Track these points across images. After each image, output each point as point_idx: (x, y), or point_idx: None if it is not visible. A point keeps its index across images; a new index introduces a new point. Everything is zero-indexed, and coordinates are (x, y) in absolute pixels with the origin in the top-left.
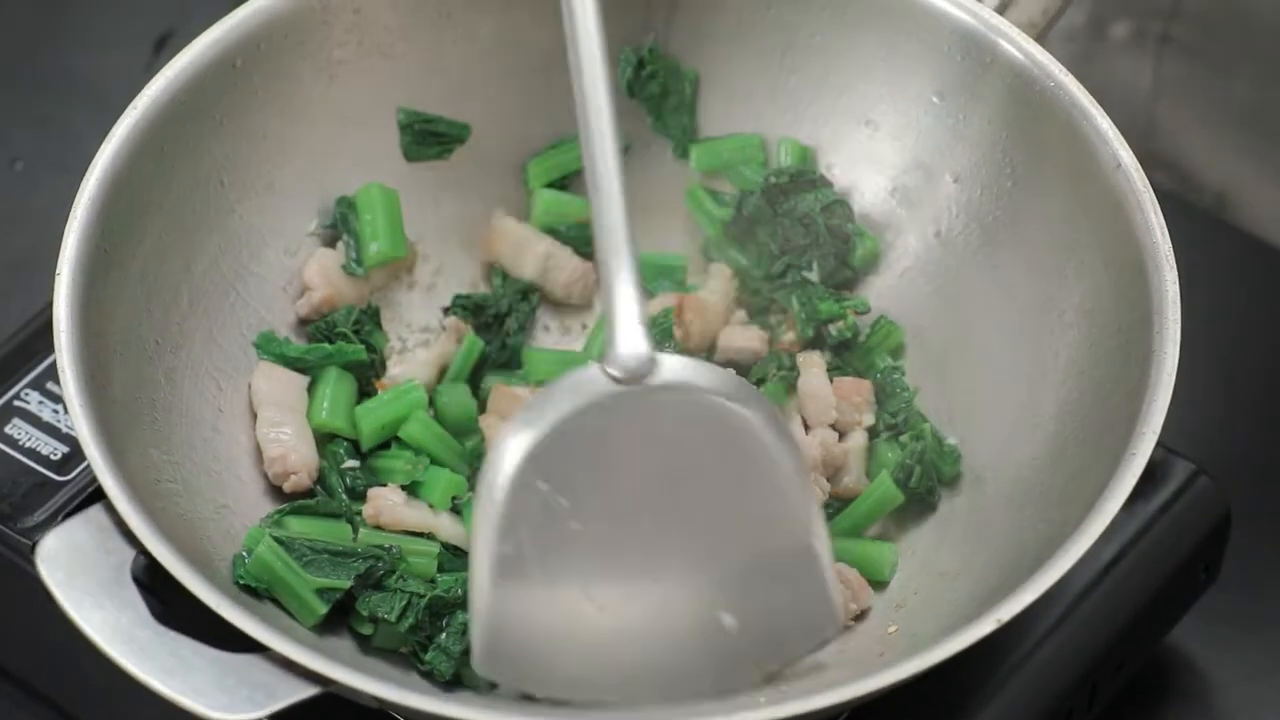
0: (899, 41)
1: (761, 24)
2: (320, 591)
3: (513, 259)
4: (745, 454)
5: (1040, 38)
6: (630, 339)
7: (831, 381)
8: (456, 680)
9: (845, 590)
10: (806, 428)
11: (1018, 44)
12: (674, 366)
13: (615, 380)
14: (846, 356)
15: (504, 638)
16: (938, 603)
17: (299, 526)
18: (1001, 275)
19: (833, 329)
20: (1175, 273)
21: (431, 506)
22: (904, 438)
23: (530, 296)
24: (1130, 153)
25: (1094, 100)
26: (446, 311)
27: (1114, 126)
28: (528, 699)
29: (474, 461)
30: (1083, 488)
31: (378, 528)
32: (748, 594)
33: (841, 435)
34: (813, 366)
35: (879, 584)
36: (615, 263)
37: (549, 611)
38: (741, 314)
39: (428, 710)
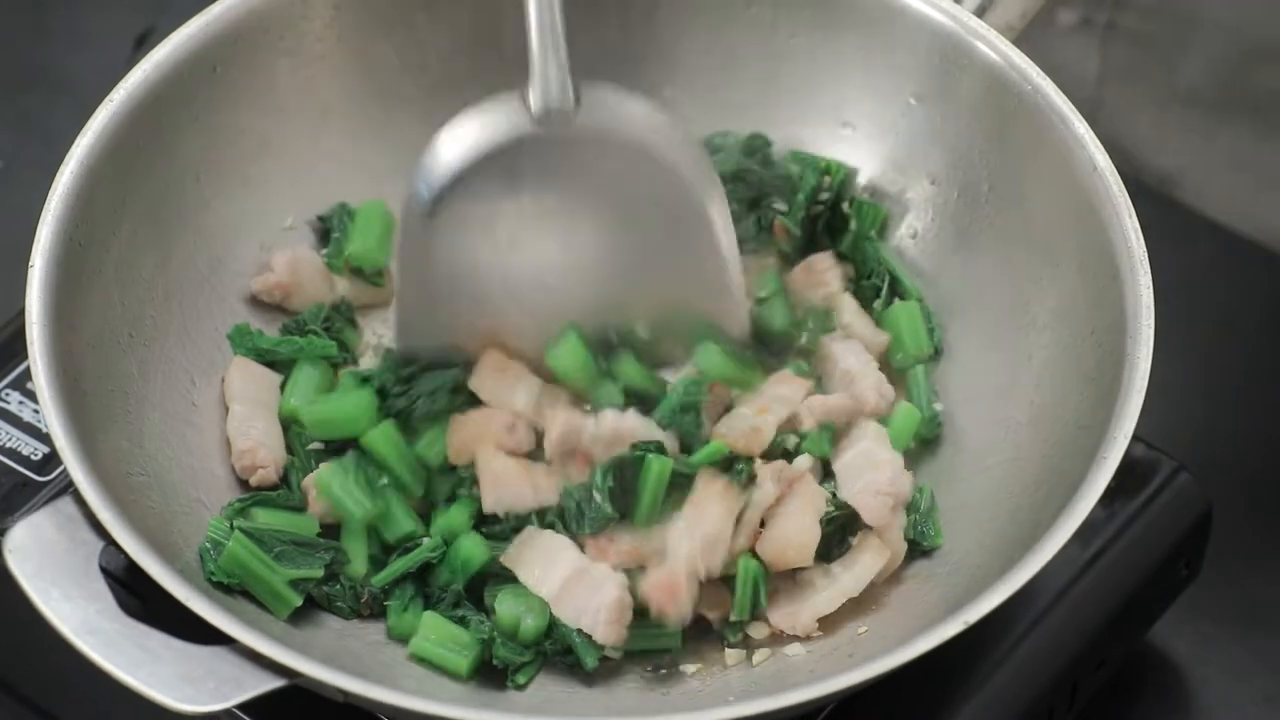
0: (877, 43)
1: (740, 23)
2: (293, 583)
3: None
4: (666, 192)
5: (1018, 41)
6: (554, 81)
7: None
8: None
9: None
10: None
11: (996, 47)
12: (598, 104)
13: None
14: (842, 240)
15: (417, 326)
16: (909, 604)
17: (265, 518)
18: (977, 277)
19: (824, 197)
20: (1149, 277)
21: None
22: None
23: None
24: (1106, 157)
25: (1071, 105)
26: None
27: (1090, 131)
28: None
29: (431, 482)
30: (1055, 490)
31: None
32: (663, 303)
33: None
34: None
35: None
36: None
37: (462, 309)
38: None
39: (392, 703)
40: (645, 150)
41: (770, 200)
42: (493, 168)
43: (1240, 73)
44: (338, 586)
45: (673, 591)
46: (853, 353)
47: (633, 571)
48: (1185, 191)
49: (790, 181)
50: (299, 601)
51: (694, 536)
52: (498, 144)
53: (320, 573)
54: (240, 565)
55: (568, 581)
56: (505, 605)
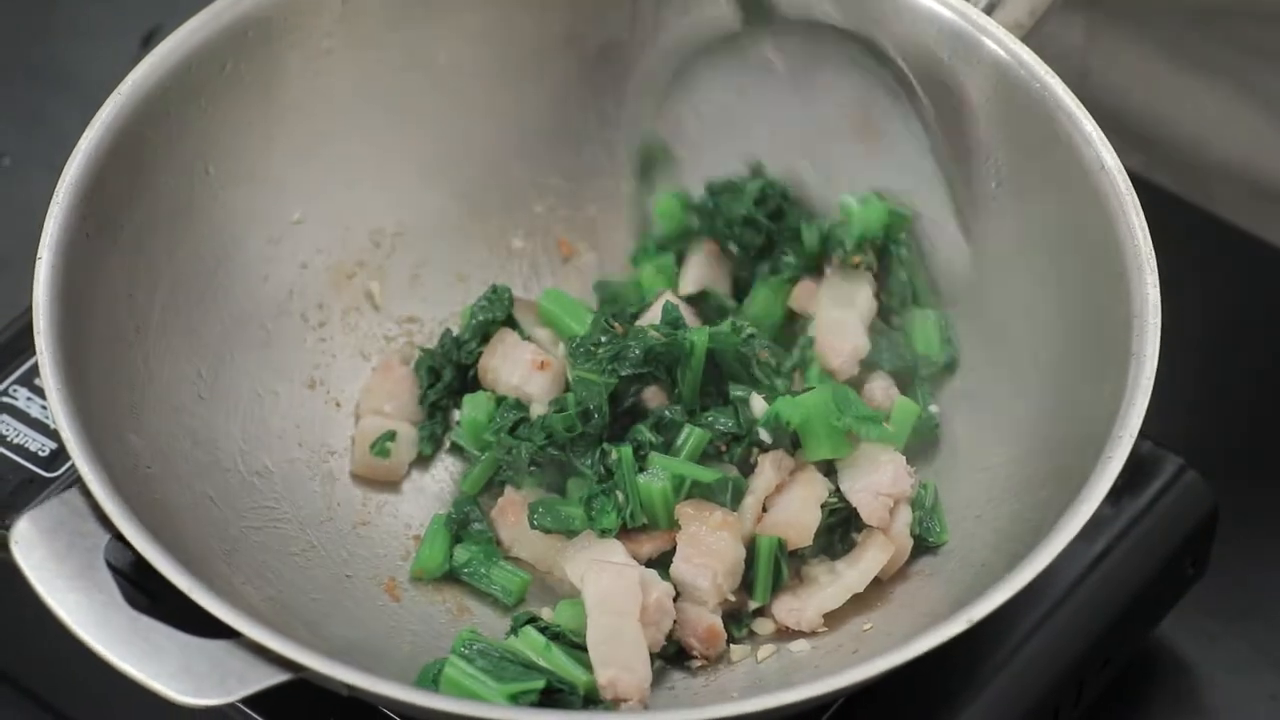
0: (886, 40)
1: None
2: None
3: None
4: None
5: (1027, 38)
6: None
7: None
8: None
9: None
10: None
11: (1004, 44)
12: None
13: None
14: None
15: None
16: (914, 601)
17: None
18: (983, 274)
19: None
20: (1156, 276)
21: None
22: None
23: None
24: (1114, 154)
25: (1079, 103)
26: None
27: (1099, 129)
28: None
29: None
30: (1061, 488)
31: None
32: None
33: None
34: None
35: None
36: None
37: None
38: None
39: (398, 698)
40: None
41: (782, 252)
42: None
43: (1221, 27)
44: None
45: (714, 637)
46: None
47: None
48: (1178, 151)
49: (797, 233)
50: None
51: (714, 571)
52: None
53: (541, 684)
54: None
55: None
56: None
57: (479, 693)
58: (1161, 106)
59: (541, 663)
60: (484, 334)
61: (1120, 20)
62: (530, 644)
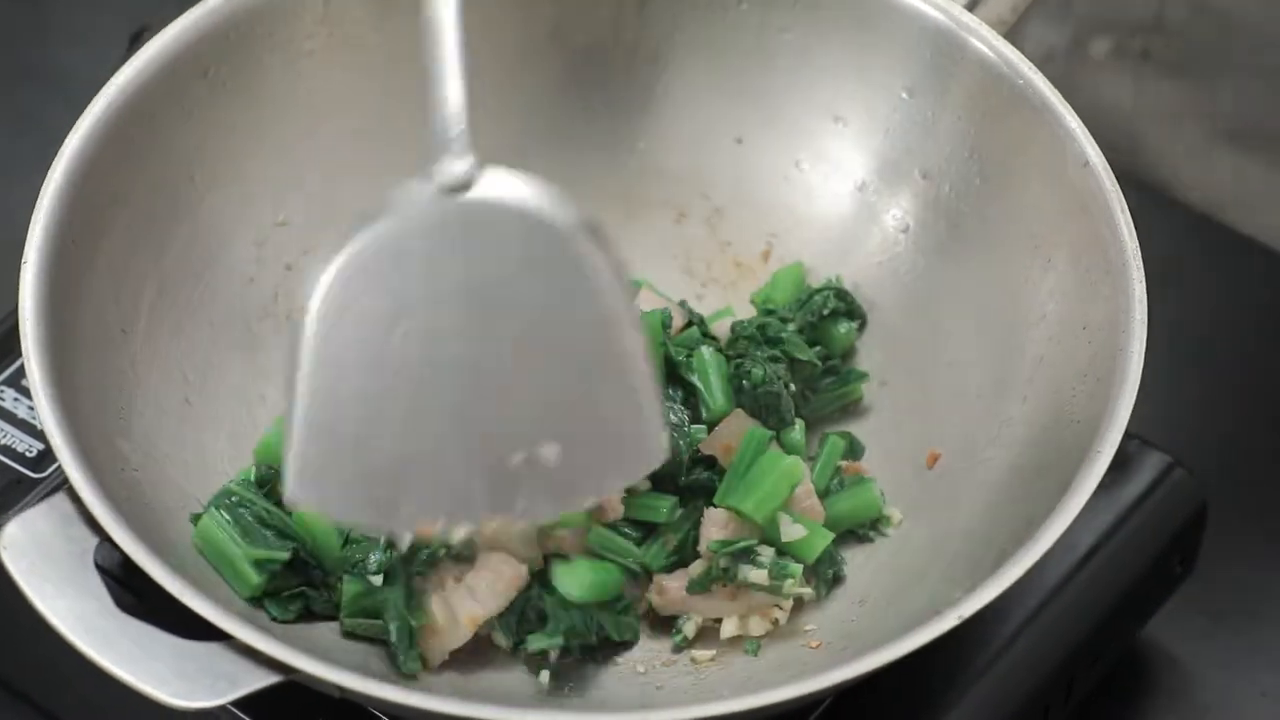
0: (869, 38)
1: (732, 18)
2: (256, 563)
3: None
4: (565, 273)
5: (1010, 35)
6: (454, 147)
7: None
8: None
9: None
10: None
11: (988, 41)
12: (495, 179)
13: (437, 193)
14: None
15: (316, 463)
16: (902, 598)
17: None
18: (969, 271)
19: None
20: (1142, 271)
21: None
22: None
23: None
24: (1098, 151)
25: (1062, 98)
26: None
27: (1082, 125)
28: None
29: None
30: (1048, 485)
31: None
32: (571, 422)
33: None
34: None
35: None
36: (440, 67)
37: (363, 435)
38: None
39: (390, 699)
40: (545, 223)
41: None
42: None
43: (1277, 98)
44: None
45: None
46: None
47: None
48: (1230, 220)
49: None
50: (258, 580)
51: None
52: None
53: (285, 555)
54: (210, 539)
55: None
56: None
57: (225, 548)
58: (1215, 173)
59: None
60: None
61: (1173, 84)
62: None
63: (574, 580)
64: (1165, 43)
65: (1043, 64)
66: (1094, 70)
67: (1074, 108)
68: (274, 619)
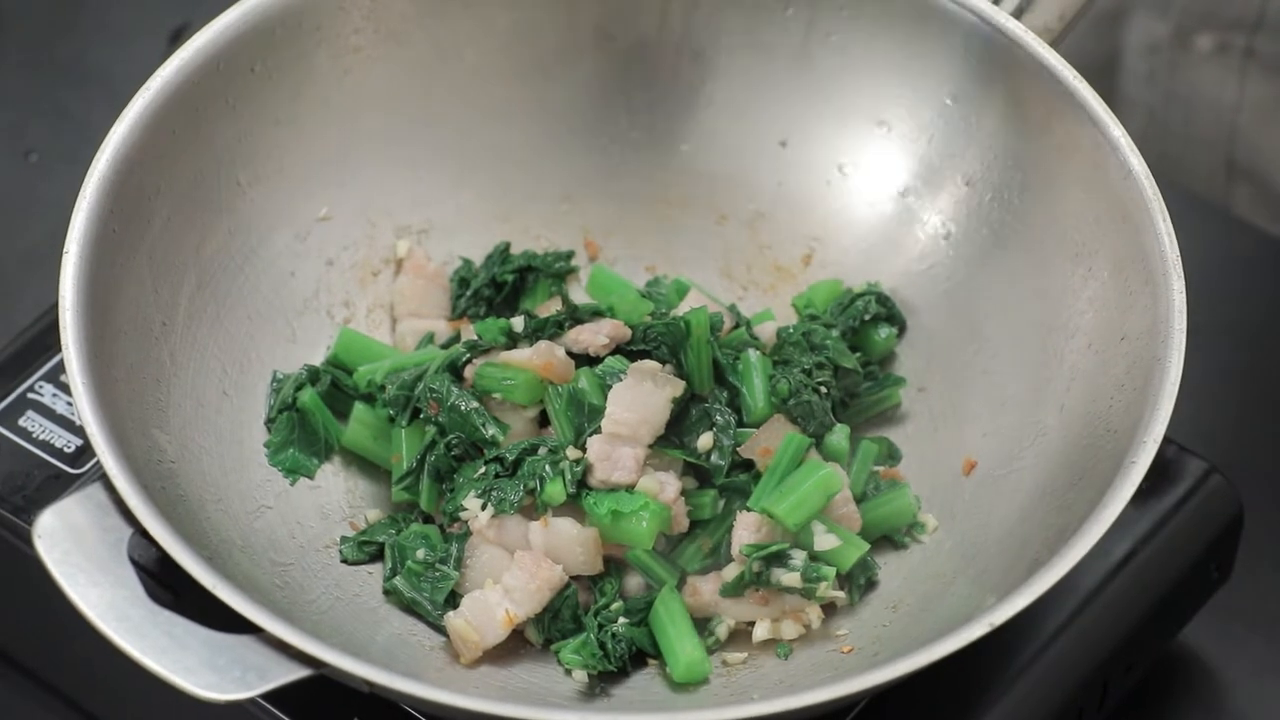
0: (914, 43)
1: (779, 22)
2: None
3: None
4: None
5: (1056, 43)
6: None
7: None
8: None
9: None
10: None
11: (1033, 49)
12: None
13: None
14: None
15: None
16: (935, 604)
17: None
18: (1009, 279)
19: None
20: (1183, 282)
21: None
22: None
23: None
24: (1141, 160)
25: (1107, 107)
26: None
27: (1126, 134)
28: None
29: None
30: (1083, 495)
31: None
32: None
33: None
34: None
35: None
36: None
37: None
38: None
39: (417, 694)
40: None
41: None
42: None
43: None
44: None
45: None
46: None
47: None
48: None
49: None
50: None
51: None
52: None
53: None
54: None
55: None
56: None
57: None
58: None
59: None
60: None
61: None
62: None
63: (676, 662)
64: (1269, 40)
65: (1147, 55)
66: (1197, 63)
67: (1174, 100)
68: None
